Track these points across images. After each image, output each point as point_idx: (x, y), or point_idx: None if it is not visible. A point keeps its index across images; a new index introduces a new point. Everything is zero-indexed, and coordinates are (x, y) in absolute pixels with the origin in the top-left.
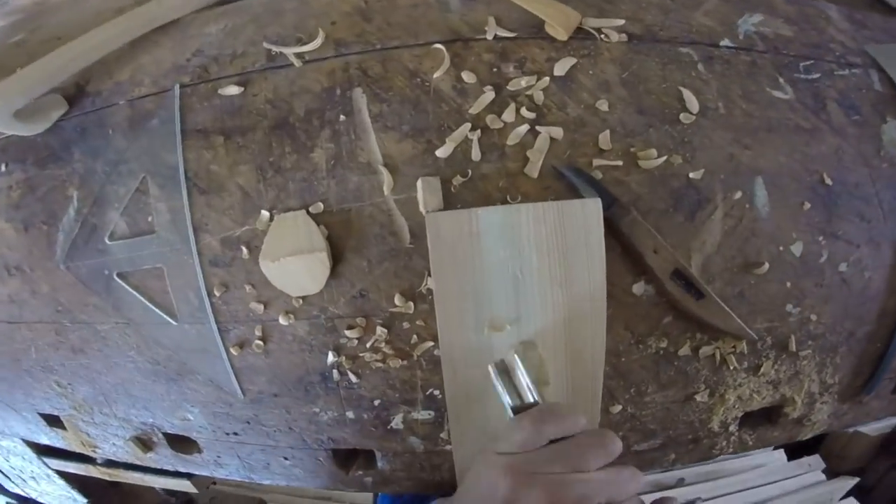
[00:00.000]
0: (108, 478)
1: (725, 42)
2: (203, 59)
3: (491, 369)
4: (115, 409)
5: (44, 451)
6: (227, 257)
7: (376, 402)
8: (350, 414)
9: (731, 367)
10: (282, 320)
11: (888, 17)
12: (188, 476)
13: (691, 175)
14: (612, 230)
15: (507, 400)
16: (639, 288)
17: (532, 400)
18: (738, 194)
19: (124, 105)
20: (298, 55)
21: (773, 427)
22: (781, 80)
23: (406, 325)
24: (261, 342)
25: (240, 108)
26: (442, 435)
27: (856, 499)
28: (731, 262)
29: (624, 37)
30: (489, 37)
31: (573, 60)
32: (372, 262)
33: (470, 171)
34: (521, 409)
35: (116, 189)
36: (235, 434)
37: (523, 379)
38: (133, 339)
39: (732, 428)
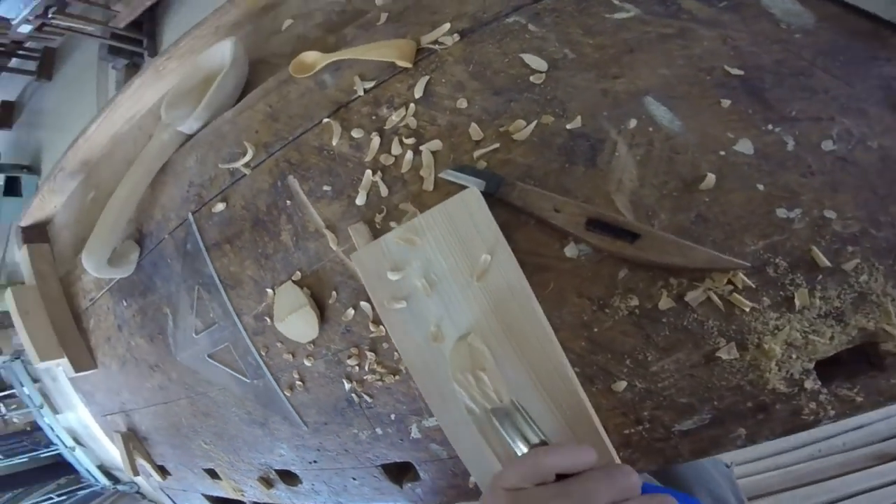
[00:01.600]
0: None
1: None
2: (196, 189)
3: (494, 419)
4: (242, 456)
5: (214, 500)
6: (260, 327)
7: (392, 417)
8: (378, 430)
9: (748, 309)
10: (306, 363)
11: None
12: None
13: (569, 126)
14: (509, 207)
15: (516, 444)
16: (570, 250)
17: (538, 440)
18: (633, 122)
19: (168, 239)
20: (245, 165)
21: (882, 374)
22: (617, 1)
23: (386, 345)
24: (300, 382)
25: (230, 219)
26: None
27: None
28: (665, 187)
29: (456, 36)
30: (360, 92)
31: (426, 78)
32: (345, 303)
33: (384, 207)
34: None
35: (185, 298)
36: (314, 462)
37: (525, 422)
38: (231, 399)
39: (810, 384)
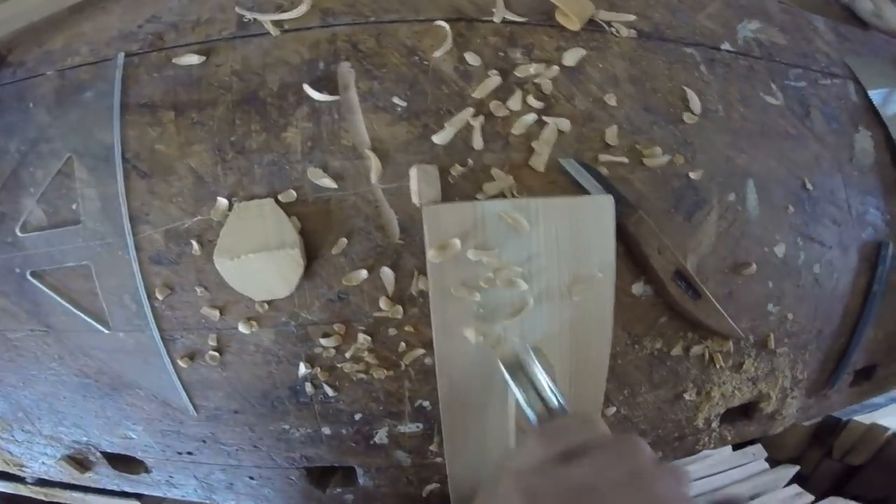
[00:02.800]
0: (43, 497)
1: (726, 46)
2: (158, 26)
3: (504, 369)
4: (40, 427)
5: None
6: (172, 253)
7: (357, 417)
8: (326, 430)
9: (718, 366)
10: (242, 328)
11: (867, 31)
12: (137, 496)
13: (691, 175)
14: (619, 229)
15: (527, 406)
16: (638, 288)
17: (557, 404)
18: (732, 196)
19: (53, 76)
20: (276, 23)
21: (749, 422)
22: (774, 86)
23: (393, 331)
24: (216, 353)
25: (199, 80)
26: (431, 447)
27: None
28: (723, 262)
29: (633, 32)
30: (497, 19)
31: (583, 52)
32: (354, 261)
33: (470, 161)
34: (544, 415)
35: (33, 172)
36: (189, 454)
37: (543, 380)
38: (54, 350)
39: (714, 424)
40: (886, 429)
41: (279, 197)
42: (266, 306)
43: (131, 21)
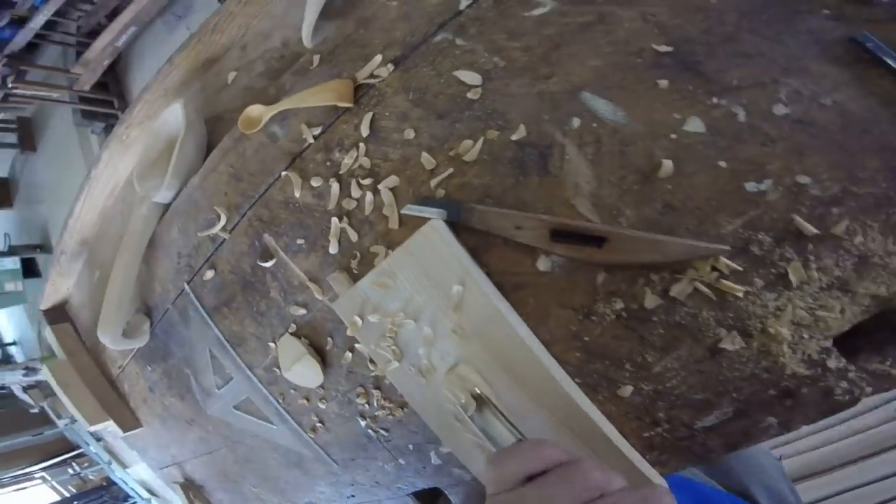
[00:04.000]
0: None
1: (464, 4)
2: (185, 259)
3: (466, 416)
4: (288, 496)
5: None
6: (272, 378)
7: (411, 447)
8: (401, 461)
9: (741, 294)
10: (321, 405)
11: None
12: None
13: (514, 137)
14: (474, 231)
15: (489, 441)
16: (544, 263)
17: (513, 436)
18: (576, 121)
19: (172, 309)
20: (223, 230)
21: None
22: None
23: (388, 381)
24: (320, 423)
25: (221, 285)
26: None
27: None
28: (624, 182)
29: (391, 66)
30: (310, 140)
31: (371, 114)
32: (341, 347)
33: (357, 252)
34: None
35: (202, 358)
36: (352, 496)
37: (498, 418)
38: (264, 444)
39: (833, 363)
40: None
41: (289, 330)
42: (322, 390)
43: (172, 262)
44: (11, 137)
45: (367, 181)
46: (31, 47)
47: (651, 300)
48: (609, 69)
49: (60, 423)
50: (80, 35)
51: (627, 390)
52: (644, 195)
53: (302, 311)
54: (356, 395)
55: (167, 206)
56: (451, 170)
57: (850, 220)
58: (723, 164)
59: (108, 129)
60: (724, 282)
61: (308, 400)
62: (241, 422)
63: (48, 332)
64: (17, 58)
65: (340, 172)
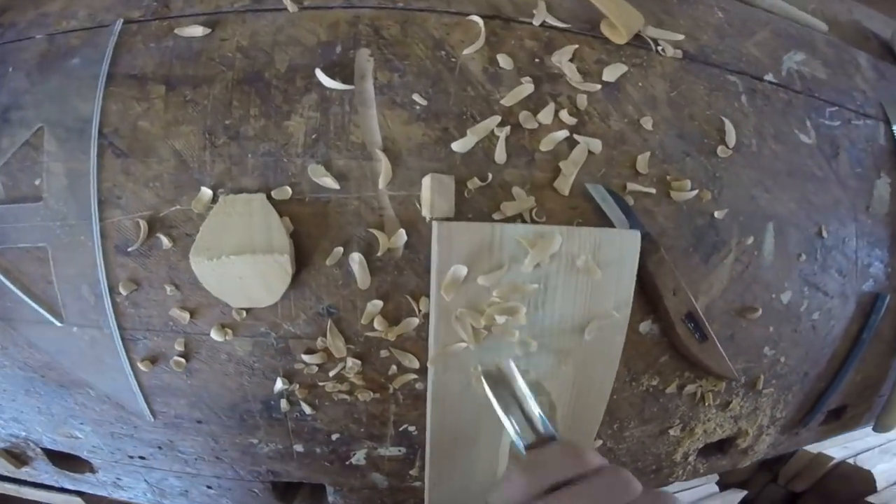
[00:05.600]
0: None
1: (769, 77)
2: None
3: (491, 395)
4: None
5: None
6: (141, 245)
7: (334, 437)
8: (299, 447)
9: (707, 404)
10: (214, 335)
11: None
12: (79, 493)
13: (716, 214)
14: (638, 268)
15: (516, 434)
16: (645, 327)
17: (545, 431)
18: (751, 239)
19: (41, 39)
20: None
21: (723, 456)
22: (809, 123)
23: (385, 353)
24: (182, 359)
25: (199, 54)
26: (411, 472)
27: None
28: (731, 306)
29: (679, 53)
30: (536, 22)
31: (624, 68)
32: (349, 272)
33: (490, 176)
34: (534, 443)
35: (6, 139)
36: (142, 458)
37: (532, 406)
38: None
39: (691, 458)
40: (831, 458)
41: (272, 193)
42: (244, 314)
43: None
44: None
45: (570, 119)
46: None
47: (671, 389)
48: (793, 220)
49: None
50: None
51: (598, 444)
52: (730, 322)
53: (328, 181)
54: (305, 349)
55: None
56: (653, 190)
57: (774, 388)
58: (771, 329)
59: None
60: (709, 394)
61: (192, 315)
62: None
63: None
64: None
65: (546, 82)
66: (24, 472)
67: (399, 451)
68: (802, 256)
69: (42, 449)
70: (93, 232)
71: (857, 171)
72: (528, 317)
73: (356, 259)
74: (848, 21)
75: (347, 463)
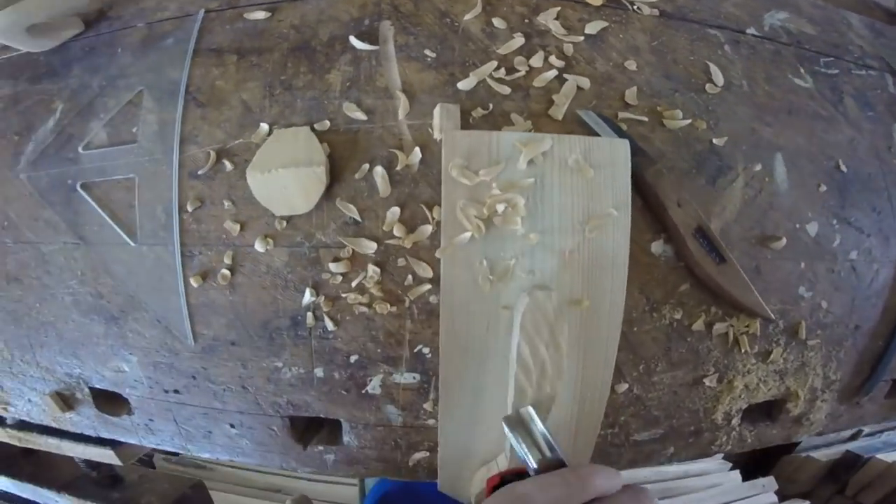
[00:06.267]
0: (17, 442)
1: (751, 31)
2: None
3: (505, 426)
4: (39, 356)
5: None
6: (208, 169)
7: (353, 359)
8: (319, 372)
9: (743, 350)
10: (258, 246)
11: None
12: (112, 444)
13: (715, 141)
14: (636, 180)
15: (529, 457)
16: (657, 247)
17: (550, 455)
18: (759, 166)
19: (143, 27)
20: None
21: (772, 424)
22: (802, 70)
23: (402, 262)
24: (228, 272)
25: (262, 32)
26: (425, 406)
27: None
28: (750, 232)
29: (656, 11)
30: None
31: (604, 23)
32: (373, 186)
33: (491, 105)
34: (543, 464)
35: (106, 101)
36: (176, 392)
37: (541, 434)
38: (79, 264)
39: (735, 421)
40: None
41: (315, 126)
42: (284, 223)
43: None
44: None
45: (557, 62)
46: None
47: (698, 325)
48: (805, 153)
49: None
50: None
51: (623, 387)
52: (752, 251)
53: (358, 115)
54: (333, 257)
55: None
56: (645, 118)
57: (821, 340)
58: (803, 265)
59: None
60: (744, 338)
61: (242, 227)
62: (71, 212)
63: None
64: None
65: (534, 37)
66: (67, 419)
67: (413, 378)
68: (822, 187)
69: (90, 389)
70: (172, 162)
71: (868, 115)
72: (528, 209)
73: (379, 172)
74: None
75: (364, 391)
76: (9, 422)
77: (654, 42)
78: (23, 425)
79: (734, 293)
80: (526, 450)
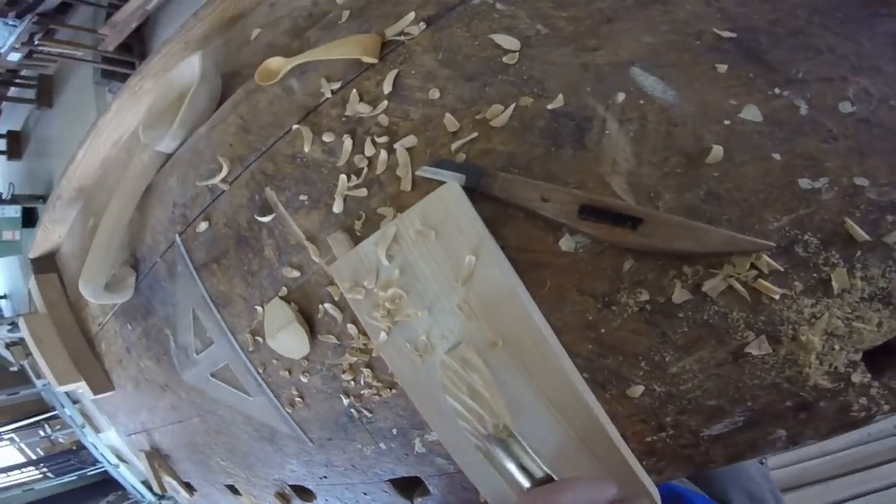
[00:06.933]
0: None
1: None
2: (180, 209)
3: (489, 449)
4: (256, 471)
5: None
6: (255, 345)
7: (394, 431)
8: (382, 445)
9: (777, 296)
10: (303, 378)
11: None
12: None
13: (550, 106)
14: (493, 200)
15: (517, 477)
16: (567, 242)
17: (542, 473)
18: (621, 96)
19: (160, 262)
20: (223, 181)
21: None
22: None
23: (379, 358)
24: (300, 399)
25: (213, 238)
26: None
27: None
28: (666, 164)
29: (423, 25)
30: (328, 94)
31: (395, 71)
32: (333, 317)
33: (363, 213)
34: (536, 483)
35: (183, 320)
36: (324, 477)
37: (528, 456)
38: (238, 416)
39: (858, 377)
40: None
41: (279, 295)
42: (306, 362)
43: (167, 210)
44: (30, 93)
45: (382, 139)
46: (64, 7)
47: (680, 294)
48: (664, 47)
49: (39, 382)
50: None
51: (638, 390)
52: (687, 180)
53: (295, 274)
54: (342, 371)
55: (169, 157)
56: (475, 134)
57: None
58: (777, 156)
59: None
60: (762, 282)
61: (290, 372)
62: (217, 391)
63: (31, 282)
64: (49, 16)
65: (356, 129)
66: None
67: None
68: (720, 67)
69: (289, 486)
70: (237, 349)
71: None
72: (409, 292)
73: (329, 307)
74: None
75: (415, 452)
76: None
77: (440, 55)
78: None
79: (680, 245)
80: (514, 472)
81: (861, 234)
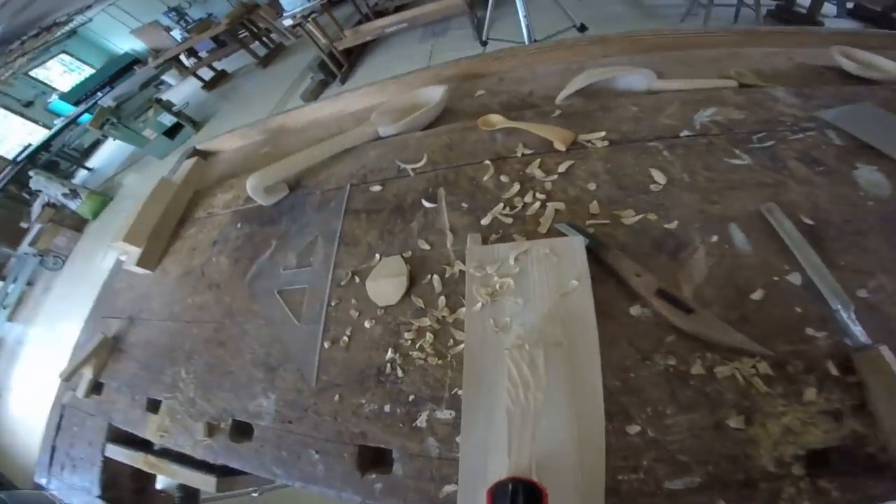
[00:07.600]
0: (147, 468)
1: (685, 132)
2: (364, 171)
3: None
4: (213, 394)
5: (112, 438)
6: (347, 282)
7: (411, 398)
8: (387, 407)
9: (762, 392)
10: (366, 324)
11: (839, 86)
12: (219, 472)
13: (666, 226)
14: (601, 264)
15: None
16: (635, 310)
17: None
18: (715, 237)
19: (318, 194)
20: (413, 169)
21: (865, 475)
22: (737, 150)
23: (447, 330)
24: (347, 338)
25: (378, 199)
26: (457, 439)
27: None
28: (723, 290)
29: (606, 143)
30: (518, 154)
31: (571, 162)
32: (433, 287)
33: (501, 232)
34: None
35: (299, 241)
36: (289, 422)
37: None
38: (264, 335)
39: (797, 469)
40: None
41: (402, 254)
42: (382, 311)
43: (354, 167)
44: (261, 51)
45: (541, 196)
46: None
47: (697, 369)
48: (758, 217)
49: (19, 250)
50: (370, 8)
51: (635, 429)
52: (732, 304)
53: (426, 247)
54: (407, 330)
55: (378, 139)
56: (607, 221)
57: None
58: (799, 310)
59: (319, 83)
60: (757, 379)
61: (360, 314)
62: (269, 306)
63: (185, 164)
64: (330, 2)
65: (526, 182)
66: (202, 445)
67: (450, 414)
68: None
69: (232, 420)
70: (328, 278)
71: (819, 170)
72: (516, 286)
73: (436, 279)
74: (792, 67)
75: (414, 425)
76: (155, 447)
77: (608, 165)
78: (162, 453)
79: (713, 335)
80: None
81: (834, 371)
